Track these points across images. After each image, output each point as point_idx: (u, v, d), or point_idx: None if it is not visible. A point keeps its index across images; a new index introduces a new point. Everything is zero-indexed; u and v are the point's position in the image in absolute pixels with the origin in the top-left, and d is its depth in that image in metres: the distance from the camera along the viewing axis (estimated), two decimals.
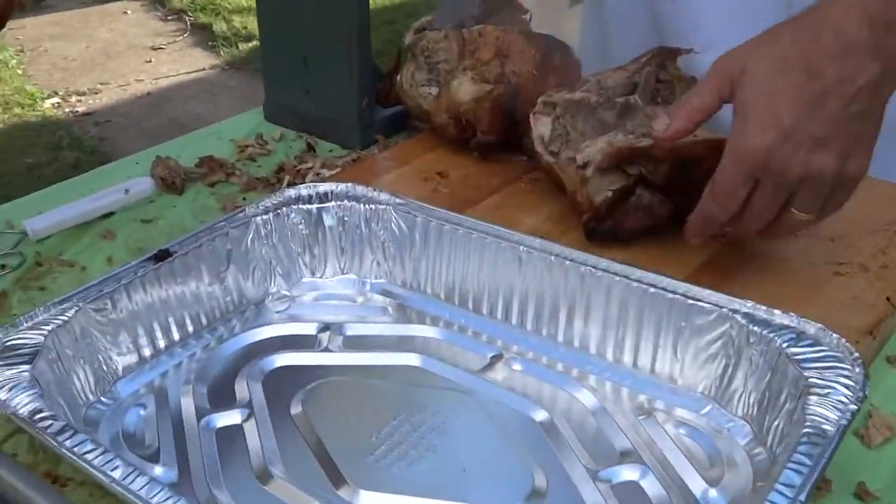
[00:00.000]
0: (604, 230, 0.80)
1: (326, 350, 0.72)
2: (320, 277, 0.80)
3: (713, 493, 0.60)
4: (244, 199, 0.92)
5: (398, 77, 0.99)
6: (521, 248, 0.73)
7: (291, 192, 0.80)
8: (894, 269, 0.79)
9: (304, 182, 0.94)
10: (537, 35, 0.93)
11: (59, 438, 0.55)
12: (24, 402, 0.57)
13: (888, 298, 0.75)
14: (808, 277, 0.78)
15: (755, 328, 0.64)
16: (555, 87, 0.90)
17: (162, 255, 0.71)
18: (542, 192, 0.89)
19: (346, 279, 0.81)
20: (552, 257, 0.72)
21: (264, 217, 0.77)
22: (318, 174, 0.95)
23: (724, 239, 0.80)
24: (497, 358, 0.72)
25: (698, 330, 0.67)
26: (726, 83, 0.69)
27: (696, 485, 0.60)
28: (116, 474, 0.52)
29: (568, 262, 0.71)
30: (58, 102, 3.82)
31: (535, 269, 0.72)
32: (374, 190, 0.80)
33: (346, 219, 0.80)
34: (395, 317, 0.77)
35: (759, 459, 0.62)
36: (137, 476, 0.51)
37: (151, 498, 0.50)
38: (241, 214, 0.77)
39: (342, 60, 0.99)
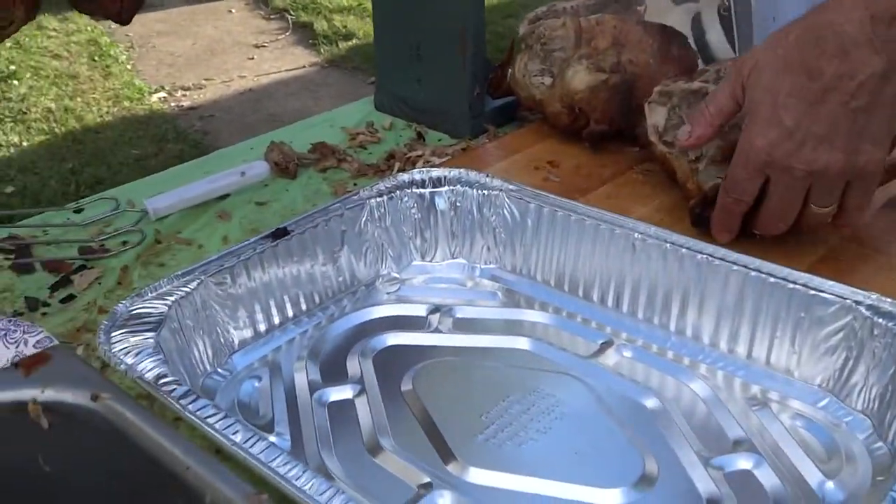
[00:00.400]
0: (710, 217, 0.79)
1: (436, 331, 0.73)
2: (430, 261, 0.81)
3: (830, 485, 0.58)
4: (355, 184, 0.94)
5: (511, 68, 0.99)
6: (636, 234, 0.72)
7: (405, 177, 0.81)
8: None
9: (413, 168, 0.95)
10: (654, 25, 0.92)
11: (182, 402, 0.56)
12: (149, 367, 0.59)
13: None
14: None
15: (880, 320, 0.63)
16: (672, 77, 0.89)
17: (280, 234, 0.73)
18: (654, 183, 0.88)
19: (455, 263, 0.81)
20: (667, 245, 0.71)
21: (378, 200, 0.78)
22: (427, 161, 0.95)
23: (757, 236, 0.79)
24: (607, 344, 0.71)
25: (819, 321, 0.65)
26: (739, 85, 0.73)
27: (813, 476, 0.59)
28: (237, 438, 0.53)
29: (684, 251, 0.70)
30: (164, 97, 3.93)
31: (648, 256, 0.72)
32: (487, 176, 0.80)
33: (458, 203, 0.80)
34: (504, 301, 0.77)
35: (880, 454, 0.60)
36: (258, 441, 0.53)
37: (271, 462, 0.51)
38: (355, 197, 0.78)
39: (455, 51, 0.99)
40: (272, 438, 0.62)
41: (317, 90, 3.98)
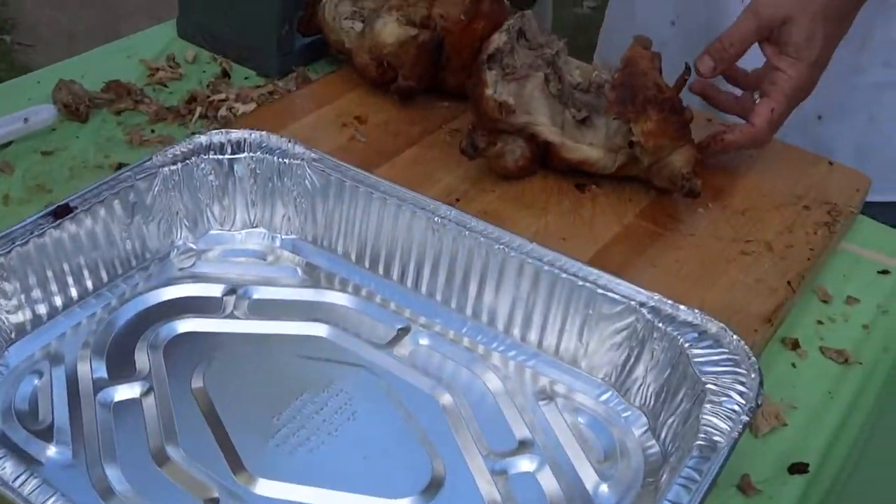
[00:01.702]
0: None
1: (231, 316, 0.71)
2: (229, 230, 0.78)
3: (604, 488, 0.61)
4: (152, 131, 0.89)
5: (321, 6, 0.95)
6: (436, 217, 0.72)
7: (202, 139, 0.77)
8: (798, 249, 0.81)
9: (216, 115, 0.91)
10: None
11: None
12: None
13: (789, 283, 0.77)
14: (715, 253, 0.79)
15: (659, 324, 0.65)
16: (481, 35, 0.87)
17: (62, 212, 0.68)
18: (449, 145, 0.88)
19: (255, 232, 0.79)
20: (466, 231, 0.71)
21: (172, 168, 0.75)
22: (231, 109, 0.91)
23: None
24: (404, 331, 0.71)
25: (605, 318, 0.67)
26: (765, 26, 0.82)
27: (590, 479, 0.62)
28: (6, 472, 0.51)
29: (482, 239, 0.70)
30: None
31: (448, 238, 0.72)
32: (289, 141, 0.77)
33: (258, 171, 0.77)
34: (303, 279, 0.76)
35: (652, 453, 0.64)
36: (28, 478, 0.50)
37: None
38: (147, 164, 0.74)
39: None
40: (51, 450, 0.59)
41: None
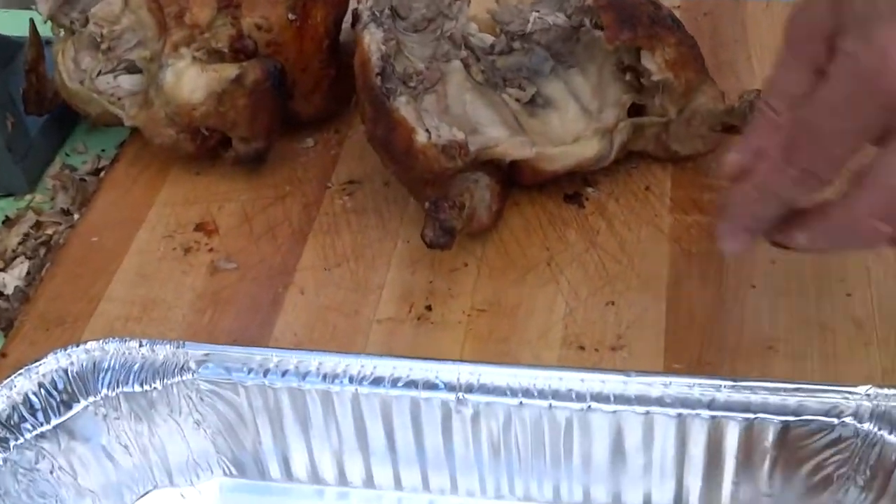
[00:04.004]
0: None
1: None
2: None
3: None
4: None
5: (53, 69, 0.59)
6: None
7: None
8: None
9: None
10: None
11: None
12: None
13: None
14: None
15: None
16: (326, 29, 0.56)
17: None
18: (359, 211, 0.57)
19: None
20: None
21: None
22: None
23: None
24: None
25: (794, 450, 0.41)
26: (817, 50, 0.39)
27: None
28: None
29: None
30: None
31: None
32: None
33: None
34: None
35: None
36: None
37: None
38: None
39: None
40: None
41: None
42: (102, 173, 0.62)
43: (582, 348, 0.49)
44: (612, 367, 0.48)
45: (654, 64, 0.53)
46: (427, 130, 0.48)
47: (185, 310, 0.53)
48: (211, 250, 0.55)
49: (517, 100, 0.55)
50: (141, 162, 0.61)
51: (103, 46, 0.54)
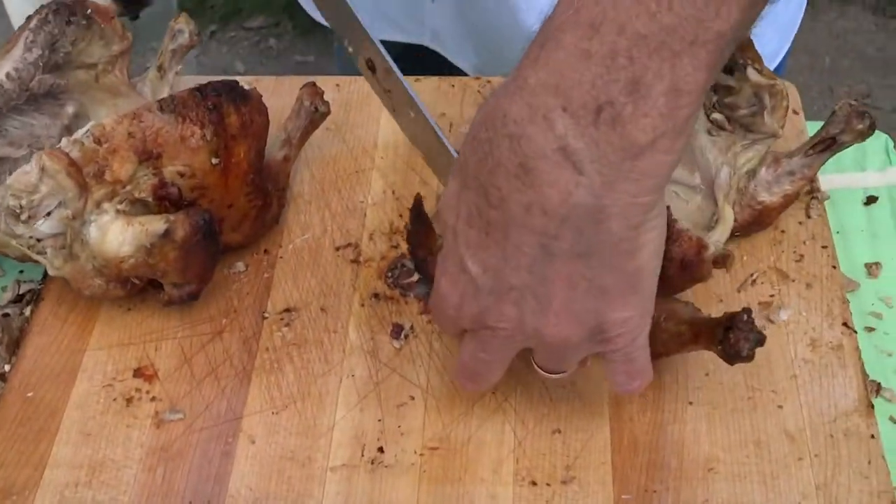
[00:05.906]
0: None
1: None
2: None
3: None
4: None
5: None
6: None
7: None
8: None
9: None
10: (180, 95, 0.54)
11: None
12: None
13: None
14: None
15: None
16: (250, 162, 0.55)
17: None
18: (300, 346, 0.57)
19: None
20: None
21: None
22: None
23: None
24: None
25: None
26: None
27: None
28: None
29: None
30: None
31: None
32: None
33: None
34: None
35: None
36: None
37: None
38: None
39: None
40: None
41: None
42: (28, 308, 0.60)
43: (534, 483, 0.51)
44: (565, 502, 0.50)
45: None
46: None
47: (135, 468, 0.52)
48: (153, 399, 0.55)
49: None
50: (68, 298, 0.59)
51: (23, 217, 0.51)
